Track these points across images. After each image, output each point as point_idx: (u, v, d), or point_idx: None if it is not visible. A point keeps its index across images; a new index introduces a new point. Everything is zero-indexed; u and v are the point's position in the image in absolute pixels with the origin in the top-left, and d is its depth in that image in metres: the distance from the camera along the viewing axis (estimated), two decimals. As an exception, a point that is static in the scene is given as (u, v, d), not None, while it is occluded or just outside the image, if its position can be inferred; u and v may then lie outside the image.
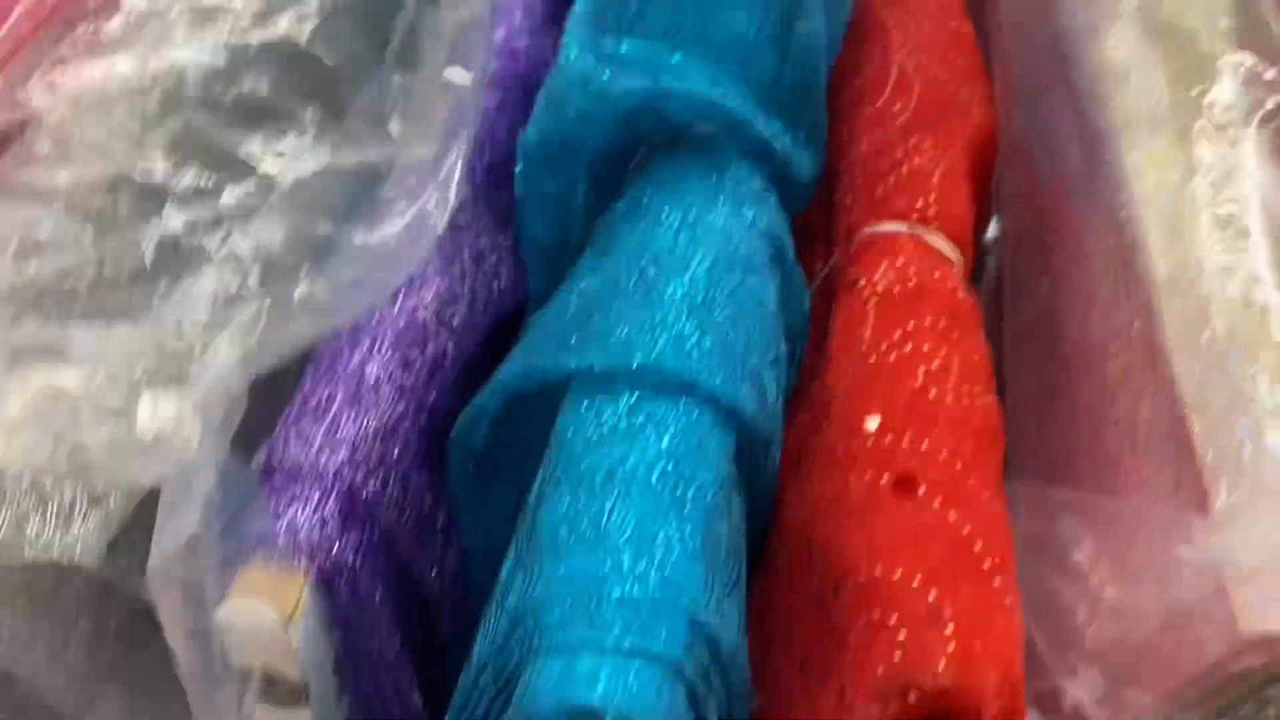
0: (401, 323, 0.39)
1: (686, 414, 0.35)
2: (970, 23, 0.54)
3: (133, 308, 0.32)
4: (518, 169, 0.47)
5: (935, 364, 0.38)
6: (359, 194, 0.35)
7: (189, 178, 0.33)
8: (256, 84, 0.36)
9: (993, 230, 0.53)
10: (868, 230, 0.44)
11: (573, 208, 0.47)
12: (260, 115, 0.36)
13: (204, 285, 0.33)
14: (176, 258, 0.31)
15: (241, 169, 0.33)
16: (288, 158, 0.34)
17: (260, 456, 0.36)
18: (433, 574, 0.42)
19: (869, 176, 0.46)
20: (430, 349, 0.40)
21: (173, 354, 0.32)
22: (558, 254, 0.48)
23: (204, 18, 0.38)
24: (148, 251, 0.30)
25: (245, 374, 0.31)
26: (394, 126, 0.38)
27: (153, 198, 0.31)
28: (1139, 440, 0.36)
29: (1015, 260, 0.47)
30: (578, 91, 0.42)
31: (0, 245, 0.29)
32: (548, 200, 0.46)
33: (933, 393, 0.37)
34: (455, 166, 0.37)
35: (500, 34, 0.52)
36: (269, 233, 0.32)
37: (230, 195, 0.32)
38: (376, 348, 0.38)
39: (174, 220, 0.33)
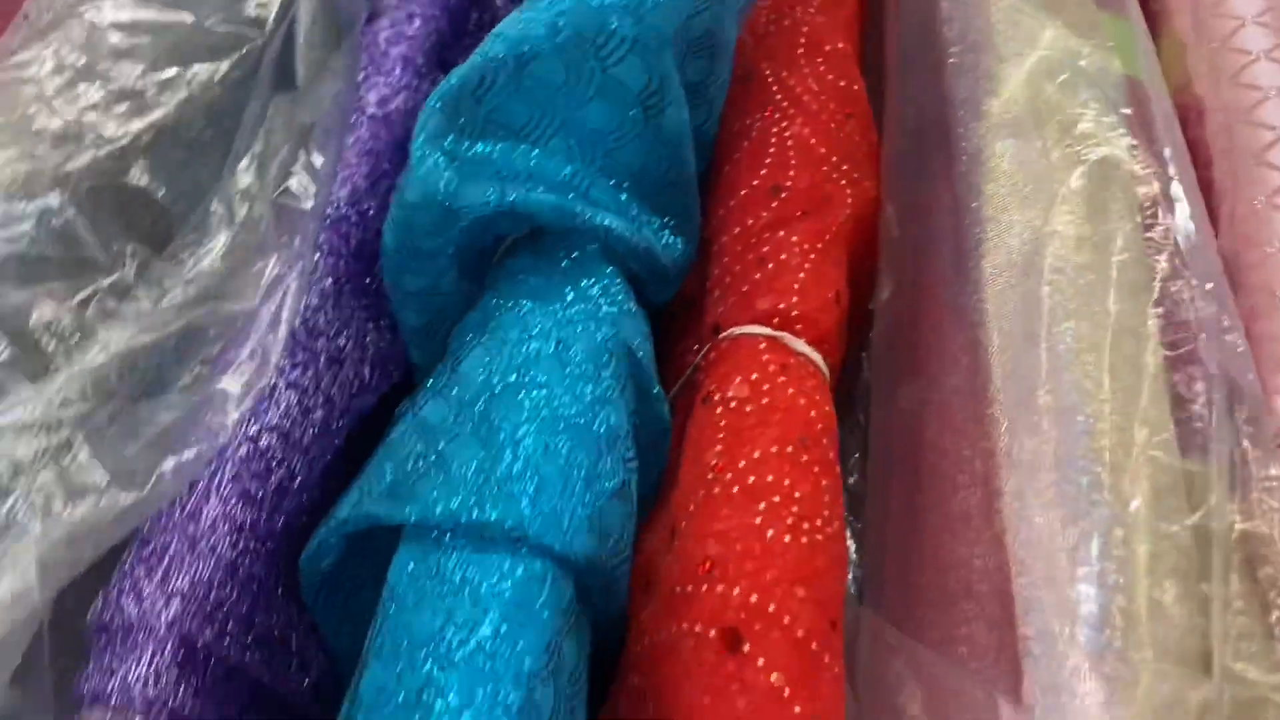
0: (242, 453, 0.39)
1: (515, 570, 0.35)
2: (861, 77, 0.52)
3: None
4: (381, 262, 0.46)
5: (777, 498, 0.38)
6: (179, 351, 0.34)
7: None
8: (68, 226, 0.35)
9: (884, 293, 0.52)
10: (730, 332, 0.43)
11: (440, 298, 0.46)
12: (75, 264, 0.35)
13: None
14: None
15: (41, 338, 0.32)
16: (102, 324, 0.33)
17: (94, 612, 0.36)
18: (302, 685, 0.42)
19: (736, 271, 0.45)
20: (275, 477, 0.40)
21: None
22: (430, 335, 0.48)
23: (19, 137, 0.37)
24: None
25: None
26: (216, 261, 0.37)
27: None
28: (974, 587, 0.36)
29: (888, 353, 0.47)
30: (426, 204, 0.41)
31: None
32: (414, 295, 0.46)
33: (770, 533, 0.37)
34: (283, 309, 0.36)
35: (372, 96, 0.51)
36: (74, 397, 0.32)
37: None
38: (215, 486, 0.38)
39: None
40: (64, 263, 0.35)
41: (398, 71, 0.53)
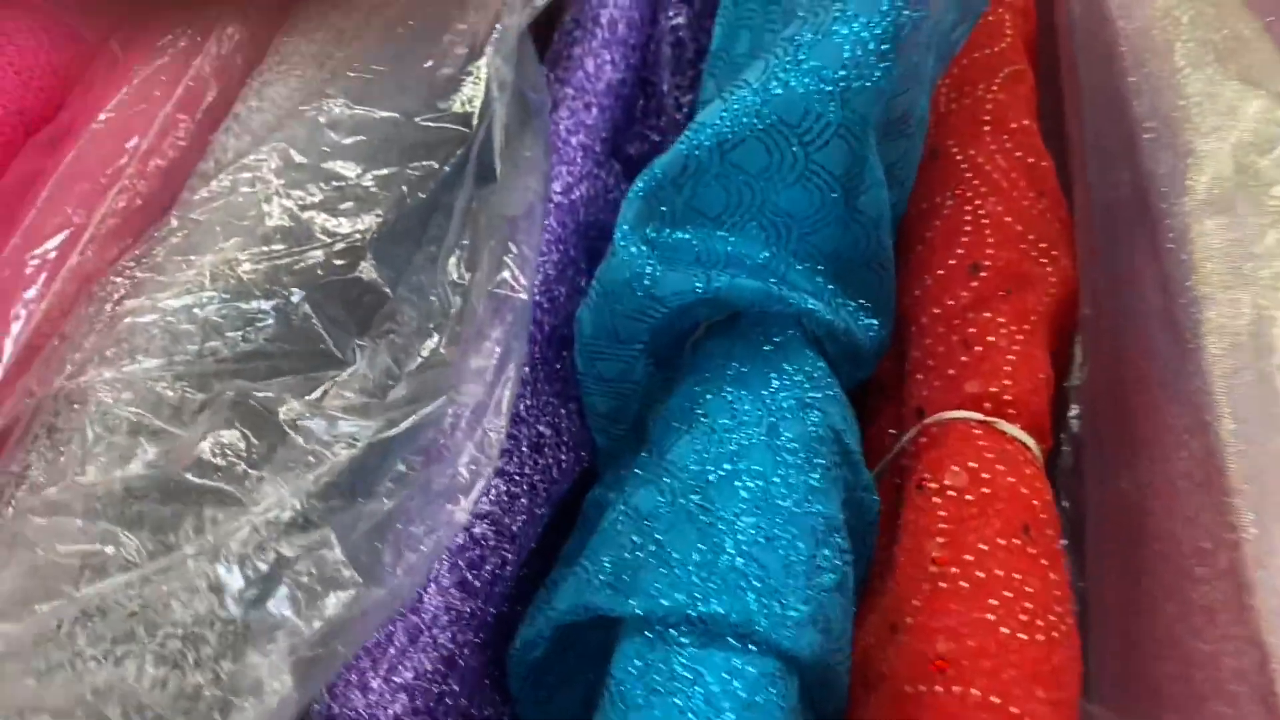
0: (459, 542, 0.39)
1: (746, 668, 0.34)
2: (1048, 154, 0.51)
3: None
4: (576, 348, 0.46)
5: (1008, 593, 0.36)
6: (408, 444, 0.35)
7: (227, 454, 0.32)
8: (305, 320, 0.36)
9: (1082, 373, 0.50)
10: (939, 417, 0.42)
11: (630, 385, 0.46)
12: (313, 357, 0.36)
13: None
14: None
15: (290, 434, 0.33)
16: (334, 421, 0.33)
17: (322, 704, 0.36)
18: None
19: (940, 352, 0.44)
20: (489, 566, 0.40)
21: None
22: (617, 420, 0.48)
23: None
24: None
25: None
26: (439, 353, 0.37)
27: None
28: (1226, 687, 0.34)
29: (1096, 436, 0.45)
30: (628, 291, 0.41)
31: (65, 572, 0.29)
32: (606, 381, 0.46)
33: (1005, 630, 0.35)
34: (503, 400, 0.36)
35: (557, 185, 0.52)
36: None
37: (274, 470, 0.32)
38: (435, 576, 0.38)
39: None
40: (303, 356, 0.35)
41: (579, 160, 0.54)
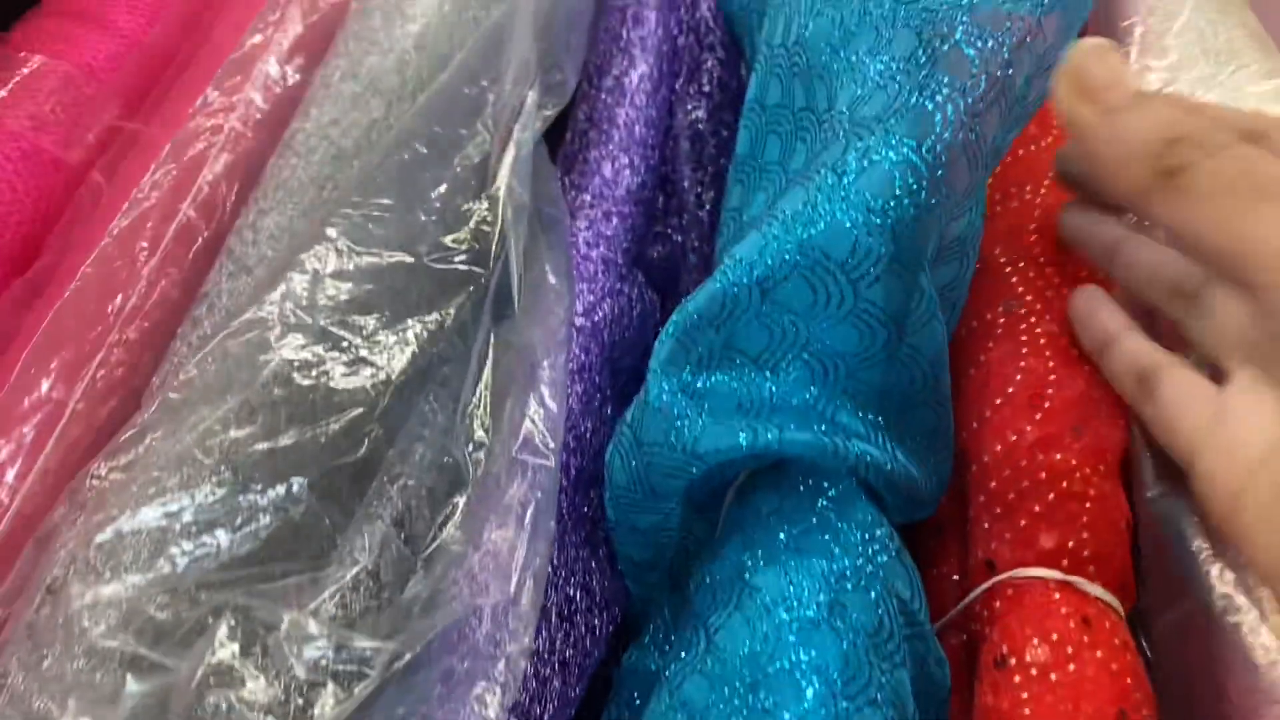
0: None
1: None
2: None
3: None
4: (606, 495, 0.42)
5: (1108, 795, 0.32)
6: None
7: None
8: (308, 513, 0.32)
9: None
10: (1013, 575, 0.38)
11: (667, 534, 0.42)
12: (317, 553, 0.32)
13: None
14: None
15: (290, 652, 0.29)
16: (354, 628, 0.30)
17: None
18: None
19: (1009, 500, 0.40)
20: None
21: None
22: (653, 567, 0.44)
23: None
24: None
25: None
26: (456, 533, 0.33)
27: None
28: None
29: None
30: (666, 446, 0.38)
31: None
32: (642, 532, 0.42)
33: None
34: (523, 601, 0.32)
35: (579, 305, 0.48)
36: None
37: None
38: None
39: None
40: (304, 553, 0.31)
41: (600, 276, 0.50)
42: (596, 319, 0.48)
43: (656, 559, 0.43)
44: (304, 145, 0.47)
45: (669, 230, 0.58)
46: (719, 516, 0.42)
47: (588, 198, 0.53)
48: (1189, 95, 0.50)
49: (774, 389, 0.39)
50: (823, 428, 0.38)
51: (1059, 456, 0.40)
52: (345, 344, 0.36)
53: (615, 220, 0.52)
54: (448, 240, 0.40)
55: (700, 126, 0.59)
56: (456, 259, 0.40)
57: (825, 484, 0.39)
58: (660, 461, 0.38)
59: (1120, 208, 0.43)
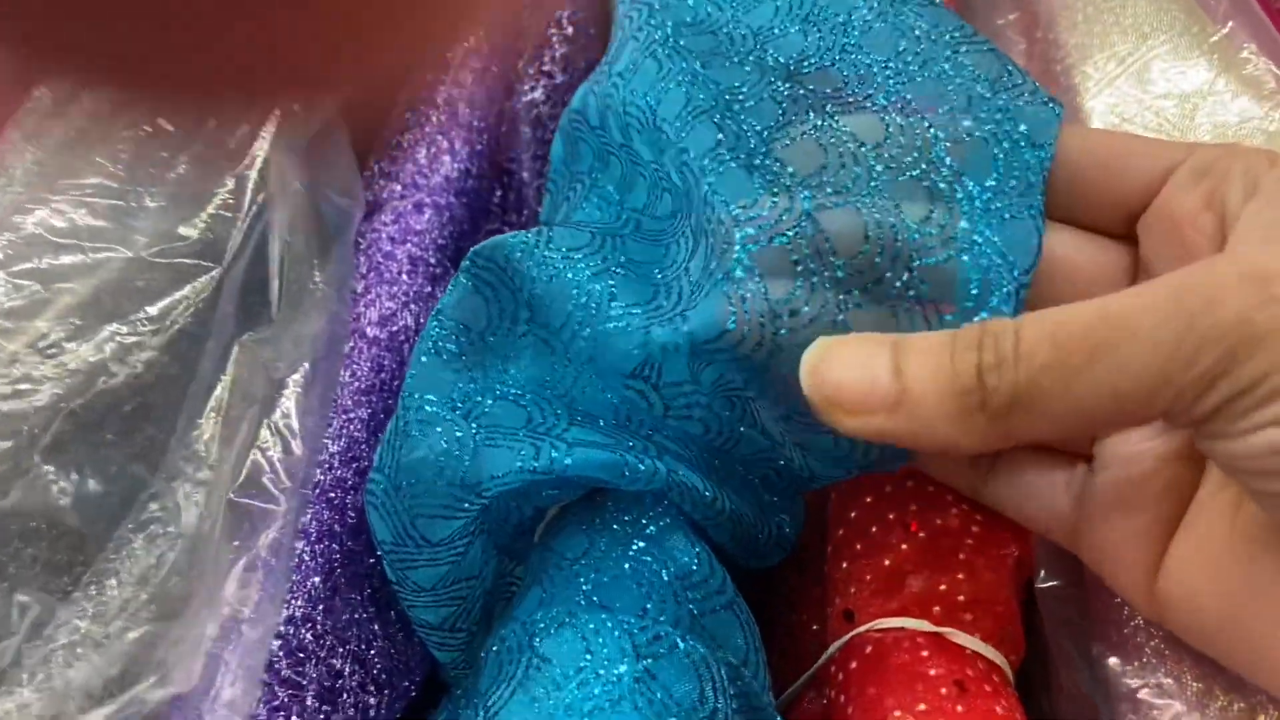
0: None
1: None
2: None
3: None
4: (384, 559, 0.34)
5: None
6: None
7: None
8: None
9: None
10: (874, 625, 0.31)
11: (463, 585, 0.34)
12: None
13: None
14: None
15: None
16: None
17: None
18: None
19: (873, 535, 0.33)
20: None
21: None
22: (454, 629, 0.36)
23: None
24: None
25: None
26: (142, 603, 0.25)
27: None
28: None
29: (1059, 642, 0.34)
30: (425, 479, 0.30)
31: None
32: (425, 591, 0.34)
33: None
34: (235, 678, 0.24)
35: (374, 313, 0.40)
36: None
37: None
38: None
39: None
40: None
41: (405, 277, 0.42)
42: (395, 329, 0.40)
43: (458, 618, 0.35)
44: (37, 118, 0.38)
45: (504, 227, 0.50)
46: (525, 576, 0.34)
47: (398, 187, 0.45)
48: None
49: (575, 398, 0.32)
50: (632, 448, 0.31)
51: (931, 488, 0.33)
52: (21, 365, 0.27)
53: (429, 212, 0.44)
54: (180, 230, 0.32)
55: (540, 110, 0.51)
56: (184, 253, 0.32)
57: (644, 521, 0.31)
58: (426, 502, 0.30)
59: None
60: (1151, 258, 0.29)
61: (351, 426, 0.37)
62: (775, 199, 0.29)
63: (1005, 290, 0.28)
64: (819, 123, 0.30)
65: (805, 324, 0.28)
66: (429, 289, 0.43)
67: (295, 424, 0.33)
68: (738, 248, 0.28)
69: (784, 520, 0.34)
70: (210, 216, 0.34)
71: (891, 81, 0.32)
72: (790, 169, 0.30)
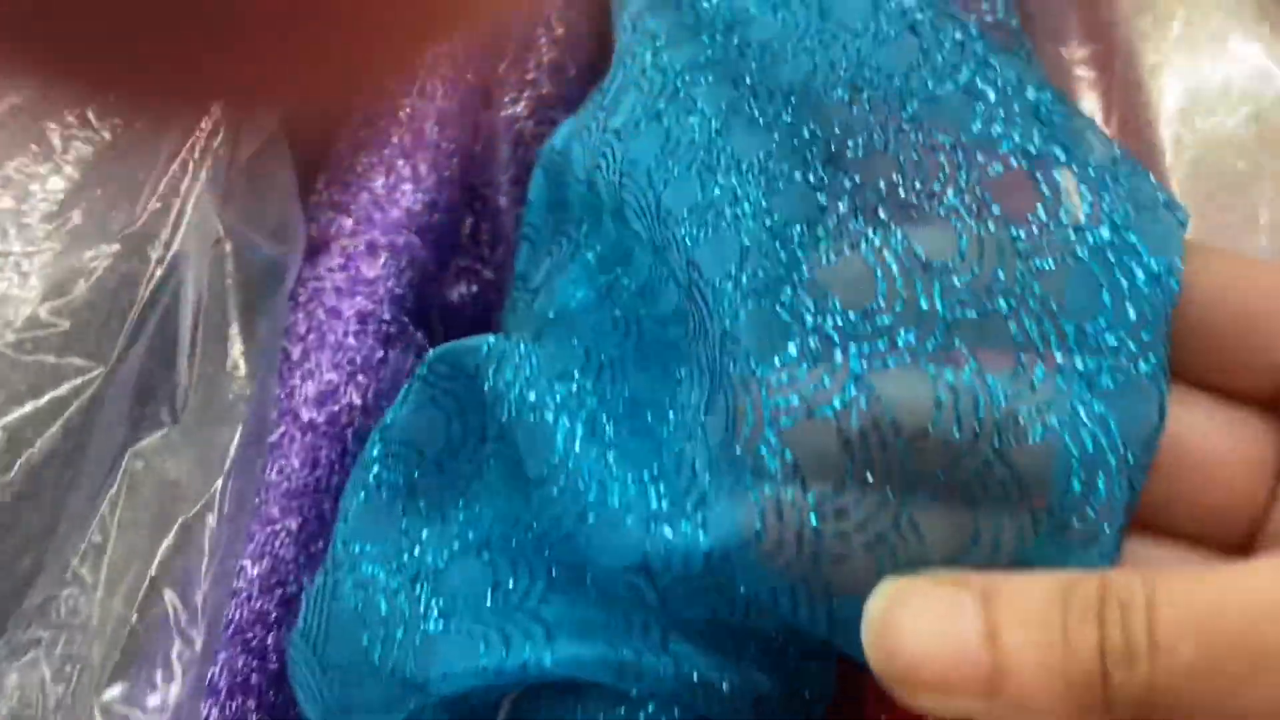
0: None
1: None
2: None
3: None
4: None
5: None
6: None
7: None
8: None
9: None
10: None
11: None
12: None
13: None
14: None
15: None
16: None
17: None
18: None
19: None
20: None
21: None
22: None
23: None
24: None
25: None
26: None
27: None
28: None
29: None
30: (360, 666, 0.23)
31: None
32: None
33: None
34: None
35: (310, 388, 0.33)
36: None
37: None
38: None
39: None
40: None
41: (352, 340, 0.35)
42: (336, 409, 0.33)
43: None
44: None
45: (477, 264, 0.43)
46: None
47: (349, 222, 0.38)
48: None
49: (555, 543, 0.25)
50: (629, 619, 0.24)
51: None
52: None
53: (384, 255, 0.37)
54: (44, 312, 0.25)
55: (521, 126, 0.44)
56: (54, 345, 0.25)
57: (641, 716, 0.24)
58: (358, 694, 0.23)
59: None
60: None
61: (276, 542, 0.30)
62: (815, 354, 0.22)
63: (1116, 483, 0.21)
64: (869, 232, 0.23)
65: (856, 528, 0.21)
66: (380, 354, 0.35)
67: (205, 560, 0.26)
68: (768, 428, 0.21)
69: (813, 690, 0.27)
70: (95, 287, 0.26)
71: (962, 157, 0.25)
72: (834, 302, 0.22)
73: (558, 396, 0.24)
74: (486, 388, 0.24)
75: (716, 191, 0.25)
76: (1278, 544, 0.23)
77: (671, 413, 0.24)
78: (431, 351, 0.26)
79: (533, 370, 0.24)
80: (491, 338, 0.25)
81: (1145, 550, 0.24)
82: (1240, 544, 0.24)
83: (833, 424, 0.21)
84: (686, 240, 0.24)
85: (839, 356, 0.22)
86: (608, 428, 0.24)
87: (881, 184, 0.24)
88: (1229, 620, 0.17)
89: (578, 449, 0.23)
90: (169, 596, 0.24)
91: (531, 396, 0.24)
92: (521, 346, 0.25)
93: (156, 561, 0.24)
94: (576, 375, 0.24)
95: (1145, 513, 0.24)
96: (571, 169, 0.31)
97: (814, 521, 0.21)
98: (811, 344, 0.22)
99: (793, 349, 0.22)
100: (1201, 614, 0.17)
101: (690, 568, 0.21)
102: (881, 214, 0.24)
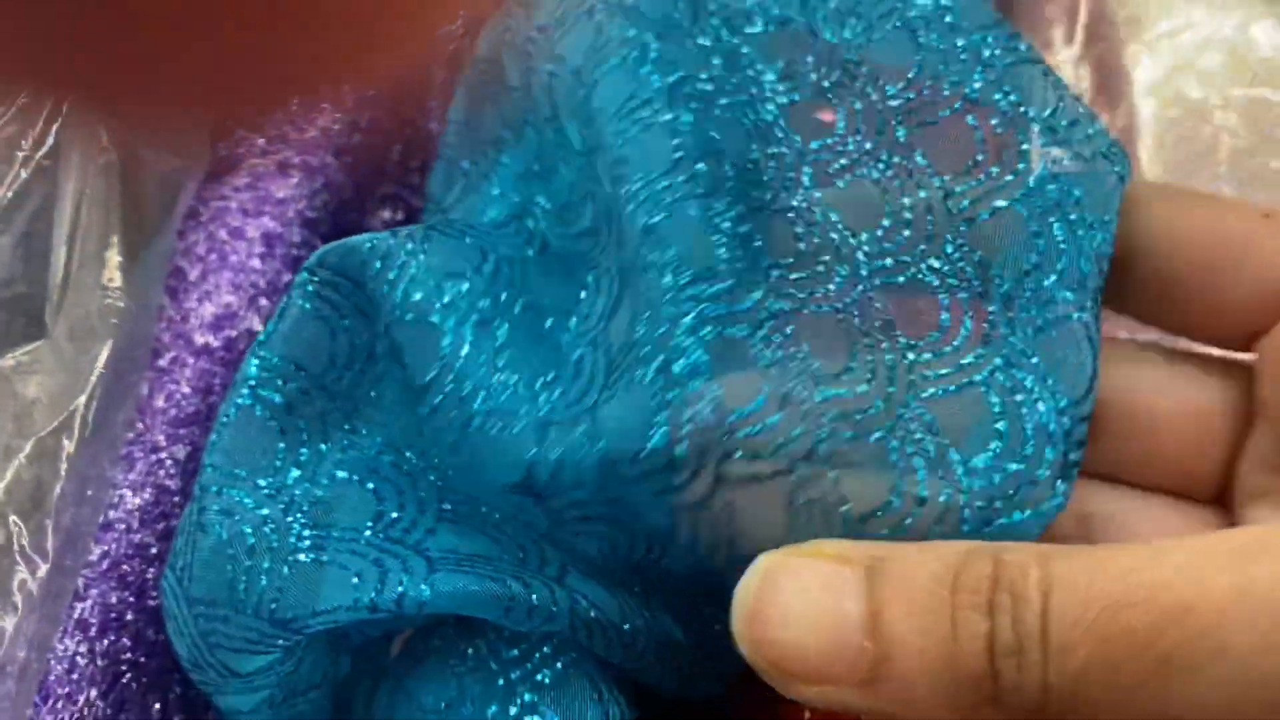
0: None
1: None
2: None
3: None
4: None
5: None
6: None
7: None
8: None
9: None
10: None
11: (304, 701, 0.26)
12: None
13: None
14: None
15: None
16: None
17: None
18: None
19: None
20: None
21: None
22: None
23: None
24: None
25: None
26: None
27: None
28: None
29: None
30: (224, 605, 0.21)
31: None
32: (246, 713, 0.25)
33: None
34: None
35: (208, 309, 0.31)
36: None
37: None
38: None
39: None
40: None
41: (256, 261, 0.33)
42: (234, 334, 0.31)
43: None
44: None
45: (405, 191, 0.41)
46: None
47: (260, 141, 0.35)
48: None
49: (449, 469, 0.23)
50: (521, 551, 0.22)
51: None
52: None
53: (297, 176, 0.35)
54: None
55: (455, 46, 0.41)
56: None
57: (536, 659, 0.23)
58: (222, 631, 0.21)
59: None
60: (1273, 400, 0.21)
61: (161, 472, 0.28)
62: (742, 276, 0.20)
63: (1052, 432, 0.19)
64: (797, 198, 0.22)
65: (772, 452, 0.19)
66: (288, 277, 0.33)
67: (59, 484, 0.24)
68: (684, 328, 0.19)
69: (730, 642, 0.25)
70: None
71: (897, 104, 0.23)
72: (757, 243, 0.21)
73: (445, 296, 0.22)
74: (371, 291, 0.22)
75: (651, 88, 0.23)
76: (1249, 501, 0.22)
77: (574, 320, 0.22)
78: (317, 252, 0.24)
79: (419, 268, 0.22)
80: (375, 236, 0.23)
81: (1126, 502, 0.22)
82: (1214, 497, 0.23)
83: (753, 340, 0.19)
84: (619, 138, 0.23)
85: (765, 290, 0.20)
86: (499, 331, 0.22)
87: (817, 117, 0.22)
88: (1128, 618, 0.15)
89: (465, 352, 0.21)
90: (12, 520, 0.22)
91: (417, 296, 0.22)
92: (408, 244, 0.23)
93: (2, 485, 0.22)
94: (469, 274, 0.22)
95: (1117, 470, 0.22)
96: (505, 78, 0.29)
97: (726, 432, 0.19)
98: (738, 264, 0.21)
99: (721, 262, 0.20)
100: (1099, 608, 0.15)
101: (581, 477, 0.20)
102: (806, 163, 0.22)
